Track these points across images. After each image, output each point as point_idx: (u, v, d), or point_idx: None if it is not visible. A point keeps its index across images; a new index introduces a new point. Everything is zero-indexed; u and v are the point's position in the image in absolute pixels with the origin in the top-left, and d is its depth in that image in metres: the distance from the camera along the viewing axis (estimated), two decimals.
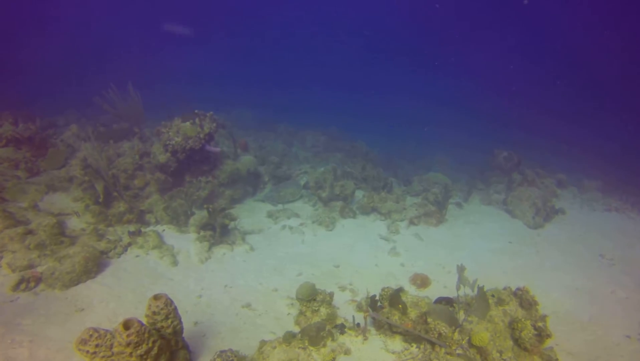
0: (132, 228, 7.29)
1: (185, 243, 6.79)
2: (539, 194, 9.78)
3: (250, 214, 8.97)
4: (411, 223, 8.59)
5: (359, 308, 5.34)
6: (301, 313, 4.87)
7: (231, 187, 9.38)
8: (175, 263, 6.18)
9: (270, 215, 8.66)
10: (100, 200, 7.13)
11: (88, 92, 11.69)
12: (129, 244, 6.35)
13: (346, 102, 31.49)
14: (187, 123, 8.29)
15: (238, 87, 30.89)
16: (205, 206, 7.03)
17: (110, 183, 7.30)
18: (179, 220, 7.70)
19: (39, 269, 5.15)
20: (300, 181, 10.78)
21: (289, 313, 5.20)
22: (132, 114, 11.28)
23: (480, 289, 4.49)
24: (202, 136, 8.30)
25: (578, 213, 10.34)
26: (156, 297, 3.55)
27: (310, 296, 4.77)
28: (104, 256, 5.95)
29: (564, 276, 6.90)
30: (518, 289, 5.12)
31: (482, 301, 4.59)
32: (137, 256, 6.13)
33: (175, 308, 3.67)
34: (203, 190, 8.97)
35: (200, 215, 7.41)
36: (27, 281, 4.80)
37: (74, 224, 6.95)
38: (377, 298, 4.80)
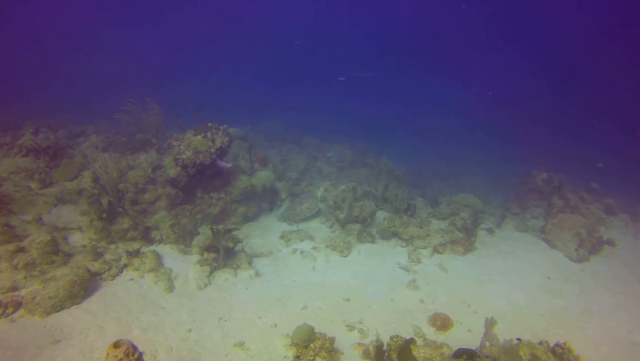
0: (136, 245, 6.97)
1: (186, 265, 6.35)
2: (584, 222, 8.69)
3: (263, 233, 8.48)
4: (435, 251, 7.78)
5: (366, 354, 4.64)
6: (296, 359, 4.24)
7: (244, 204, 8.95)
8: (170, 288, 5.73)
9: (282, 236, 8.12)
10: (104, 216, 6.86)
11: (121, 101, 11.80)
12: (125, 265, 5.98)
13: (372, 113, 30.86)
14: (199, 137, 7.96)
15: (271, 95, 31.23)
16: (209, 226, 6.59)
17: (115, 197, 7.02)
18: (185, 239, 7.32)
19: (23, 292, 4.83)
20: (317, 192, 10.16)
21: (285, 357, 4.58)
22: (152, 125, 11.19)
23: (513, 347, 3.71)
24: (213, 150, 7.93)
25: (631, 246, 9.10)
26: (116, 344, 3.06)
27: (306, 342, 4.16)
28: (97, 277, 5.60)
29: (617, 324, 5.87)
30: (557, 345, 4.26)
31: (511, 360, 3.80)
32: (131, 279, 5.74)
33: (140, 356, 3.16)
34: (214, 207, 8.59)
35: (204, 235, 6.97)
36: (5, 307, 4.48)
37: (76, 240, 6.70)
38: (385, 348, 4.11)
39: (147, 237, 7.31)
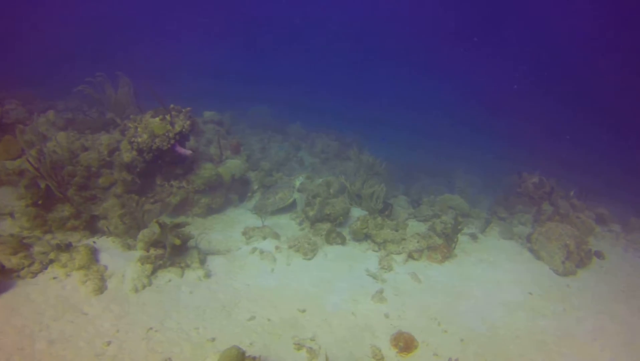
0: (77, 236, 6.27)
1: (125, 263, 5.63)
2: (573, 233, 8.06)
3: (226, 228, 7.78)
4: (410, 257, 7.13)
5: None
6: None
7: (209, 194, 8.23)
8: (100, 290, 5.03)
9: (245, 232, 7.42)
10: (40, 202, 6.11)
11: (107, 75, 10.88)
12: (51, 261, 5.26)
13: (371, 109, 30.06)
14: (157, 119, 7.19)
15: (264, 84, 30.26)
16: (155, 220, 5.87)
17: (54, 181, 6.27)
18: (135, 232, 6.60)
19: None
20: (295, 182, 9.19)
21: None
22: (120, 103, 10.37)
23: None
24: (171, 135, 7.17)
25: (621, 260, 8.51)
26: None
27: None
28: (14, 275, 4.89)
29: (599, 352, 5.28)
30: None
31: None
32: (54, 278, 5.03)
33: None
34: (174, 196, 7.88)
35: (151, 229, 6.25)
36: None
37: (5, 228, 5.97)
38: None
39: (92, 227, 6.58)
